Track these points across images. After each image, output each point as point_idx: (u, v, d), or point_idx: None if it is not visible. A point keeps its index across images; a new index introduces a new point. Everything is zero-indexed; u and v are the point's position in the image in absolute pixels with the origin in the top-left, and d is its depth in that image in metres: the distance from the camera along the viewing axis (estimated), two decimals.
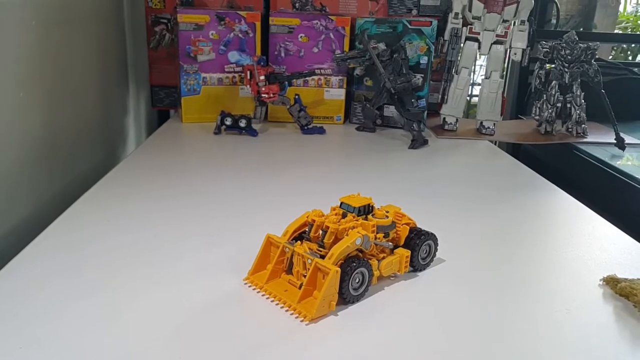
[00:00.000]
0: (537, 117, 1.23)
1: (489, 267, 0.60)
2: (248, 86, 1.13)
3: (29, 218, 0.77)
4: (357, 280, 0.51)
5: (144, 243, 0.62)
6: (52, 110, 0.87)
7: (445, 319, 0.50)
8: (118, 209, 0.72)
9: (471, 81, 1.23)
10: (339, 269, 0.49)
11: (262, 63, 1.13)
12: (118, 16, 1.23)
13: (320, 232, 0.53)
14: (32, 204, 0.79)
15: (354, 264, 0.50)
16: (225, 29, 1.16)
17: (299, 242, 0.54)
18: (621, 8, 2.95)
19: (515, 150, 1.39)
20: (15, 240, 0.67)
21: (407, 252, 0.56)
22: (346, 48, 1.19)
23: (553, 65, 1.21)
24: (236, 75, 1.19)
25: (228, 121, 1.10)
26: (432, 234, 0.58)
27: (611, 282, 0.56)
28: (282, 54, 1.19)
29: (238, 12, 1.16)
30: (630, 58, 2.83)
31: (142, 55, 1.30)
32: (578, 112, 1.19)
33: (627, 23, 3.08)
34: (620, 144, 1.15)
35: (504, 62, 1.19)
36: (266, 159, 0.99)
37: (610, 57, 2.50)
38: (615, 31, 2.74)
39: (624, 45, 2.77)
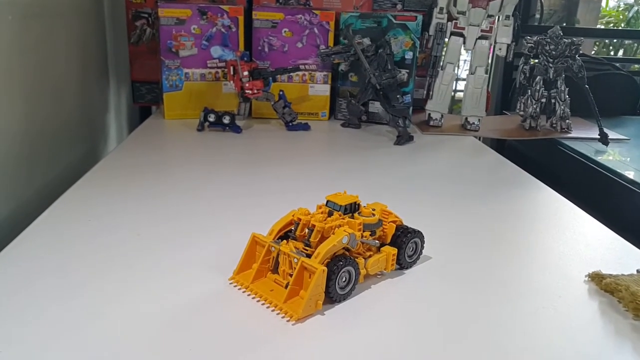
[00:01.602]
0: (521, 113, 1.24)
1: (475, 264, 0.60)
2: (231, 82, 1.11)
3: (9, 217, 0.75)
4: (343, 279, 0.50)
5: (127, 242, 0.61)
6: (31, 107, 0.85)
7: (432, 316, 0.50)
8: (100, 207, 0.70)
9: (456, 76, 1.22)
10: (325, 268, 0.48)
11: (245, 58, 1.11)
12: (98, 11, 1.21)
13: (307, 230, 0.52)
14: (12, 202, 0.77)
15: (341, 263, 0.50)
16: (208, 24, 1.14)
17: (284, 241, 0.53)
18: (603, 3, 2.99)
19: (500, 146, 1.40)
20: None
21: (394, 250, 0.55)
22: (331, 43, 1.18)
23: (537, 61, 1.21)
24: (219, 70, 1.17)
25: (211, 118, 1.08)
26: (418, 231, 0.58)
27: (596, 278, 0.56)
28: (266, 49, 1.18)
29: (220, 6, 1.14)
30: (612, 53, 2.87)
31: (122, 50, 1.27)
32: (562, 107, 1.20)
33: (609, 18, 3.12)
34: (604, 140, 1.16)
35: (489, 58, 1.19)
36: (250, 156, 0.97)
37: (593, 52, 2.53)
38: (598, 26, 2.78)
39: (606, 41, 2.80)
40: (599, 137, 1.17)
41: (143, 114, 1.36)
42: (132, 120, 1.41)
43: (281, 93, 1.13)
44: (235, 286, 0.52)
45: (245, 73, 1.09)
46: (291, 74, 1.18)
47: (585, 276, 0.57)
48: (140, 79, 1.28)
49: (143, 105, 1.33)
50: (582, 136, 1.20)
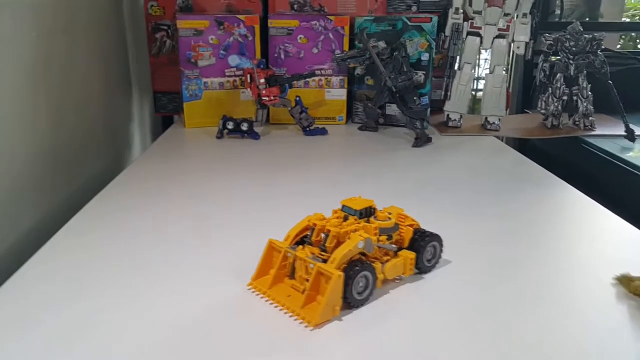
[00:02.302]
0: (543, 111, 1.21)
1: (496, 268, 0.59)
2: (249, 89, 1.13)
3: (35, 227, 0.77)
4: (360, 284, 0.50)
5: (149, 248, 0.62)
6: (57, 119, 0.87)
7: (453, 321, 0.49)
8: (123, 215, 0.72)
9: (475, 76, 1.21)
10: (341, 274, 0.48)
11: (262, 66, 1.12)
12: (119, 25, 1.24)
13: (322, 235, 0.52)
14: (39, 212, 0.79)
15: (357, 268, 0.49)
16: (225, 34, 1.15)
17: (300, 246, 0.53)
18: None
19: (522, 145, 1.37)
20: (21, 250, 0.67)
21: (412, 254, 0.55)
22: (346, 48, 1.18)
23: (558, 58, 1.19)
24: (237, 79, 1.18)
25: (230, 125, 1.09)
26: (436, 235, 0.57)
27: (625, 281, 0.54)
28: (282, 56, 1.19)
29: (237, 16, 1.15)
30: (639, 46, 2.78)
31: (144, 62, 1.30)
32: (585, 104, 1.17)
33: (635, 10, 3.02)
34: (630, 136, 1.12)
35: (508, 56, 1.17)
36: (268, 162, 0.98)
37: (619, 46, 2.46)
38: (623, 19, 2.69)
39: (633, 34, 2.72)
40: (625, 133, 1.13)
41: (166, 123, 1.39)
42: (155, 129, 1.44)
43: (298, 99, 1.14)
44: (253, 292, 0.53)
45: (262, 80, 1.10)
46: (307, 79, 1.19)
47: (613, 279, 0.55)
48: (162, 90, 1.31)
49: (165, 114, 1.36)
50: (607, 133, 1.17)
